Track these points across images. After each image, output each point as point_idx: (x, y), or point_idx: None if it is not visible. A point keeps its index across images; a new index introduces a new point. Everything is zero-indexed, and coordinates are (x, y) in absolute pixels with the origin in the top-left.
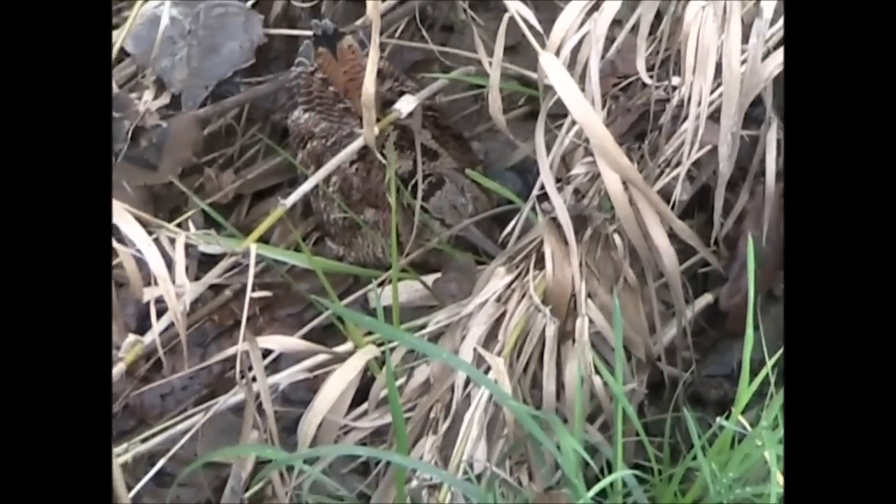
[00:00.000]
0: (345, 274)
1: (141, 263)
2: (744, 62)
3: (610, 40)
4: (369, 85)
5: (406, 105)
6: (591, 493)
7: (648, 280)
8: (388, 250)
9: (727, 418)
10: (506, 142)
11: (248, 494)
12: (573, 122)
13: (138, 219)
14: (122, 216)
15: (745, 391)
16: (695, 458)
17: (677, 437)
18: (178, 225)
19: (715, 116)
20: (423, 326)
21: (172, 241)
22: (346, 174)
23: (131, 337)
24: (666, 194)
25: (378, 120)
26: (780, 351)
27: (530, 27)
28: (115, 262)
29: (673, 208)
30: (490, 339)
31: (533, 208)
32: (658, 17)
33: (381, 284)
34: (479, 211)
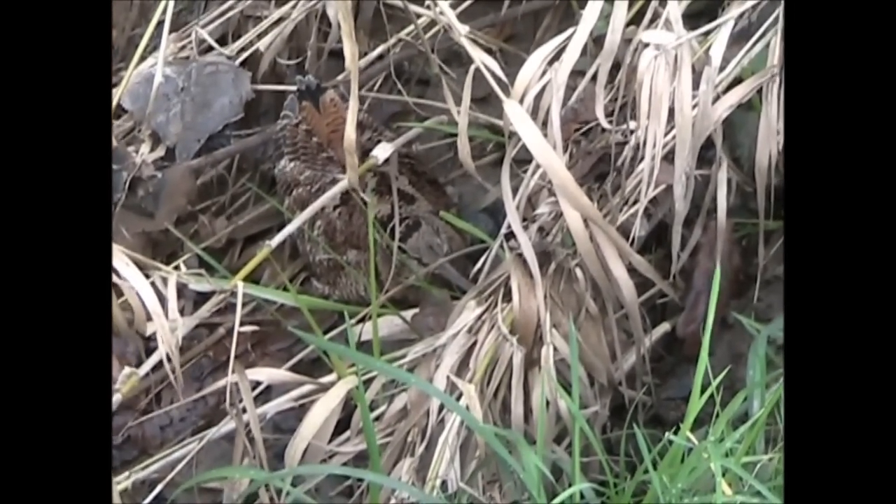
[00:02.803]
0: (330, 311)
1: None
2: (695, 106)
3: (571, 88)
4: (350, 132)
5: (383, 152)
6: None
7: (609, 310)
8: (370, 288)
9: (677, 434)
10: (478, 185)
11: None
12: (537, 166)
13: (135, 262)
14: (120, 259)
15: (694, 409)
16: (646, 471)
17: (633, 455)
18: (176, 268)
19: (669, 157)
20: (402, 357)
21: (166, 281)
22: (329, 218)
23: (127, 369)
24: (625, 231)
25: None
26: (726, 371)
27: (496, 77)
28: (118, 301)
29: (632, 244)
30: (462, 367)
31: (501, 246)
32: (615, 66)
33: (363, 320)
34: (454, 250)
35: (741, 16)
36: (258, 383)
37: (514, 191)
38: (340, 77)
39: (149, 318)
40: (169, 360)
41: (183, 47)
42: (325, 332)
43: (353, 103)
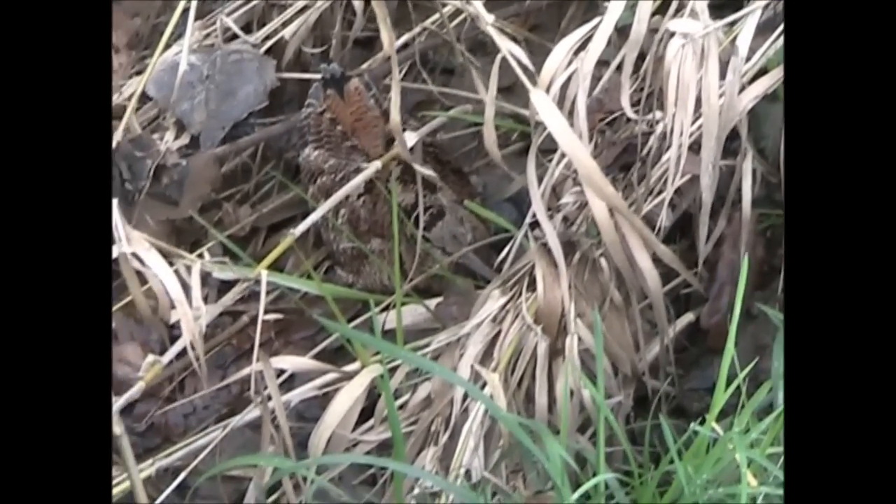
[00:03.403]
0: (354, 299)
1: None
2: (721, 97)
3: (596, 78)
4: (395, 114)
5: (407, 141)
6: (576, 495)
7: (633, 301)
8: (393, 277)
9: (702, 425)
10: (502, 175)
11: None
12: (563, 155)
13: (159, 249)
14: (144, 247)
15: (719, 400)
16: (671, 461)
17: (658, 446)
18: (199, 256)
19: (695, 148)
20: (426, 346)
21: (189, 269)
22: (353, 207)
23: (150, 357)
24: (650, 221)
25: (381, 156)
26: (753, 363)
27: (522, 66)
28: (142, 288)
29: (657, 234)
30: (486, 356)
31: (526, 235)
32: (641, 56)
33: (387, 309)
34: (477, 239)
35: (767, 6)
36: (282, 371)
37: (539, 180)
38: (365, 66)
39: (172, 306)
40: (192, 348)
41: (207, 35)
42: (349, 321)
43: (395, 85)
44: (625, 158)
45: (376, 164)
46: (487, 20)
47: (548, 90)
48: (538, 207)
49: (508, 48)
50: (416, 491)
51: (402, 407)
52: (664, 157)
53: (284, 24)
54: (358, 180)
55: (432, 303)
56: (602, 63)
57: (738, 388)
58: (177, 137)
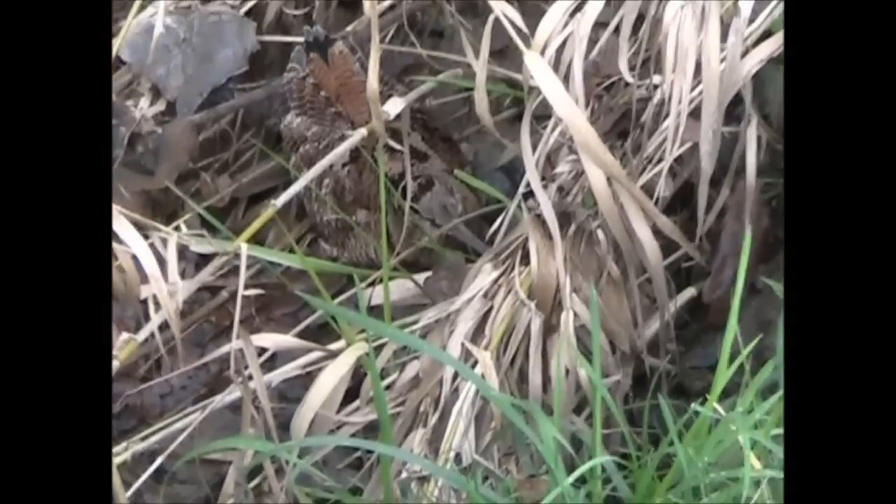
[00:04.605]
0: (338, 274)
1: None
2: (723, 60)
3: (593, 41)
4: (373, 80)
5: (394, 107)
6: (571, 479)
7: (631, 275)
8: (380, 250)
9: (703, 405)
10: (494, 143)
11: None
12: (558, 122)
13: (133, 221)
14: (117, 219)
15: (722, 379)
16: (671, 443)
17: (657, 427)
18: (176, 228)
19: (696, 114)
20: (414, 323)
21: (165, 242)
22: (338, 176)
23: (125, 335)
24: (649, 190)
25: (366, 123)
26: (757, 340)
27: (516, 28)
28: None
29: (656, 204)
30: (477, 334)
31: (519, 206)
32: (639, 18)
33: (373, 284)
34: (468, 210)
35: None
36: (263, 350)
37: (533, 148)
38: (350, 28)
39: (144, 281)
40: (168, 325)
41: None
42: (334, 297)
43: (375, 51)
44: (623, 125)
45: (362, 132)
46: None
47: (542, 53)
48: (532, 177)
49: (501, 9)
50: (404, 475)
51: (388, 387)
52: (664, 124)
53: None
54: (342, 148)
55: (421, 277)
56: (599, 25)
57: (742, 366)
58: (152, 104)
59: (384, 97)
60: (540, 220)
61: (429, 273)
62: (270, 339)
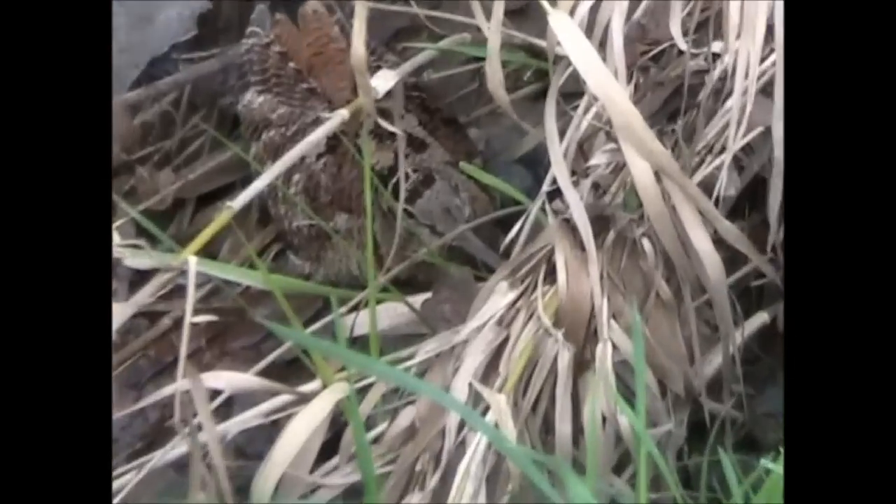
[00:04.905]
0: (312, 296)
1: None
2: None
3: None
4: (358, 45)
5: (384, 81)
6: None
7: (686, 296)
8: (365, 265)
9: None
10: (511, 127)
11: None
12: (592, 100)
13: None
14: None
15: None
16: None
17: (718, 490)
18: None
19: (767, 90)
20: (410, 358)
21: None
22: (311, 171)
23: None
24: (708, 188)
25: (348, 103)
26: None
27: None
28: None
29: (717, 205)
30: (490, 371)
31: (543, 209)
32: None
33: (356, 308)
34: (478, 214)
35: None
36: (216, 392)
37: (561, 134)
38: None
39: None
40: None
41: None
42: (306, 325)
43: (360, 9)
44: (675, 104)
45: (342, 114)
46: None
47: (572, 13)
48: (559, 170)
49: None
50: None
51: (376, 440)
52: (726, 104)
53: None
54: (317, 135)
55: (417, 300)
56: None
57: None
58: None
59: (371, 69)
60: (569, 225)
61: (428, 294)
62: (225, 379)
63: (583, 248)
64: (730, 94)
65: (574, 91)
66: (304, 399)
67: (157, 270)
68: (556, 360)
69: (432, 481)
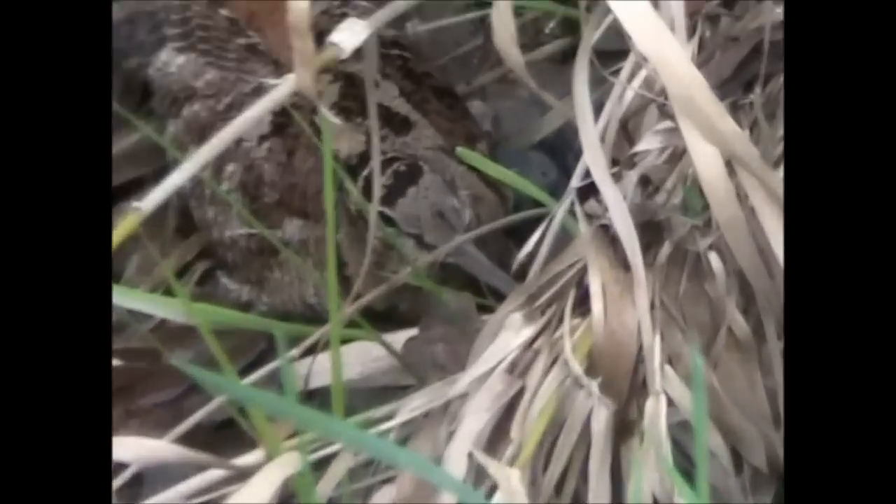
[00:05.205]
0: (252, 332)
1: None
2: None
3: None
4: None
5: (350, 35)
6: None
7: (770, 331)
8: (326, 290)
9: None
10: (527, 100)
11: None
12: (640, 62)
13: None
14: None
15: None
16: None
17: None
18: None
19: None
20: (388, 418)
21: None
22: (251, 160)
23: None
24: None
25: (301, 65)
26: None
27: None
28: None
29: None
30: (498, 436)
31: (571, 211)
32: None
33: (314, 349)
34: (483, 220)
35: None
36: (122, 466)
37: (597, 109)
38: None
39: None
40: None
41: None
42: (244, 373)
43: None
44: (752, 69)
45: (292, 80)
46: None
47: None
48: (594, 160)
49: None
50: None
51: None
52: None
53: None
54: (259, 109)
55: (398, 338)
56: None
57: None
58: None
59: (332, 20)
60: (608, 235)
61: (413, 331)
62: (133, 448)
63: (627, 267)
64: None
65: (614, 49)
66: (242, 475)
67: None
68: (589, 420)
69: None
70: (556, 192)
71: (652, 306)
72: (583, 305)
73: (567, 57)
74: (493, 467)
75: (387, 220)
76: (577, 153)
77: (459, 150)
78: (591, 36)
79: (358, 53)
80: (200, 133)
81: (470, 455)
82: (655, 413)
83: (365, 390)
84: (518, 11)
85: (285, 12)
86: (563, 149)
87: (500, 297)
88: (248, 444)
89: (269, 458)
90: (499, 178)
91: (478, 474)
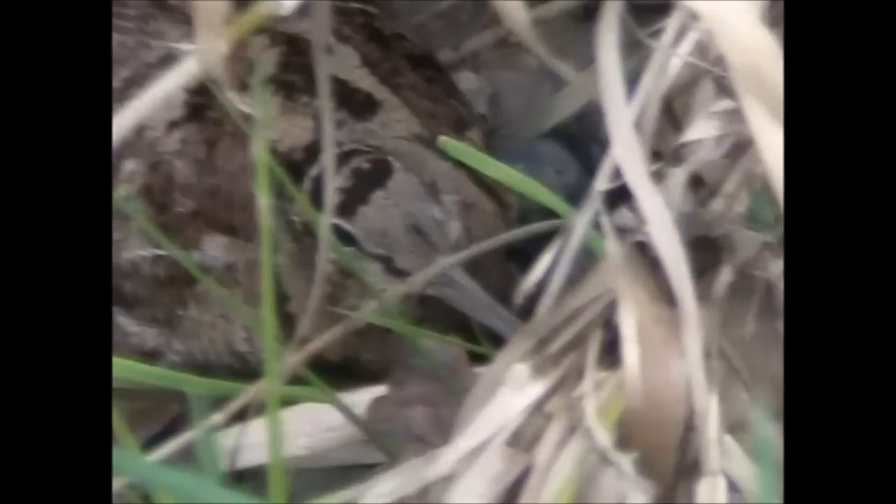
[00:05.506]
0: (161, 391)
1: None
2: None
3: None
4: None
5: None
6: None
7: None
8: (261, 333)
9: None
10: (535, 72)
11: None
12: (686, 23)
13: None
14: None
15: None
16: None
17: None
18: None
19: None
20: None
21: None
22: (159, 155)
23: None
24: None
25: (224, 26)
26: None
27: None
28: None
29: None
30: None
31: (596, 223)
32: None
33: (244, 415)
34: (476, 236)
35: None
36: None
37: (630, 84)
38: None
39: None
40: None
41: None
42: (150, 444)
43: None
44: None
45: (213, 48)
46: None
47: None
48: (627, 153)
49: None
50: None
51: None
52: None
53: None
54: (169, 86)
55: (360, 399)
56: None
57: None
58: None
59: None
60: (646, 257)
61: (381, 388)
62: None
63: (672, 301)
64: None
65: (653, 3)
66: None
67: None
68: None
69: None
70: (575, 197)
71: (706, 355)
72: (611, 354)
73: (590, 13)
74: None
75: (344, 236)
76: (604, 144)
77: (443, 140)
78: None
79: (305, 11)
80: None
81: None
82: (711, 499)
83: (316, 470)
84: None
85: None
86: (584, 138)
87: (498, 342)
88: None
89: None
90: (497, 178)
91: None
